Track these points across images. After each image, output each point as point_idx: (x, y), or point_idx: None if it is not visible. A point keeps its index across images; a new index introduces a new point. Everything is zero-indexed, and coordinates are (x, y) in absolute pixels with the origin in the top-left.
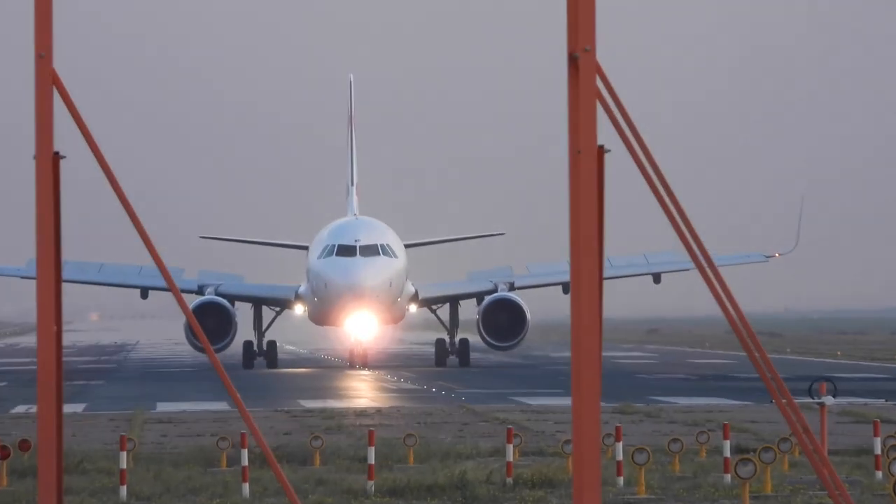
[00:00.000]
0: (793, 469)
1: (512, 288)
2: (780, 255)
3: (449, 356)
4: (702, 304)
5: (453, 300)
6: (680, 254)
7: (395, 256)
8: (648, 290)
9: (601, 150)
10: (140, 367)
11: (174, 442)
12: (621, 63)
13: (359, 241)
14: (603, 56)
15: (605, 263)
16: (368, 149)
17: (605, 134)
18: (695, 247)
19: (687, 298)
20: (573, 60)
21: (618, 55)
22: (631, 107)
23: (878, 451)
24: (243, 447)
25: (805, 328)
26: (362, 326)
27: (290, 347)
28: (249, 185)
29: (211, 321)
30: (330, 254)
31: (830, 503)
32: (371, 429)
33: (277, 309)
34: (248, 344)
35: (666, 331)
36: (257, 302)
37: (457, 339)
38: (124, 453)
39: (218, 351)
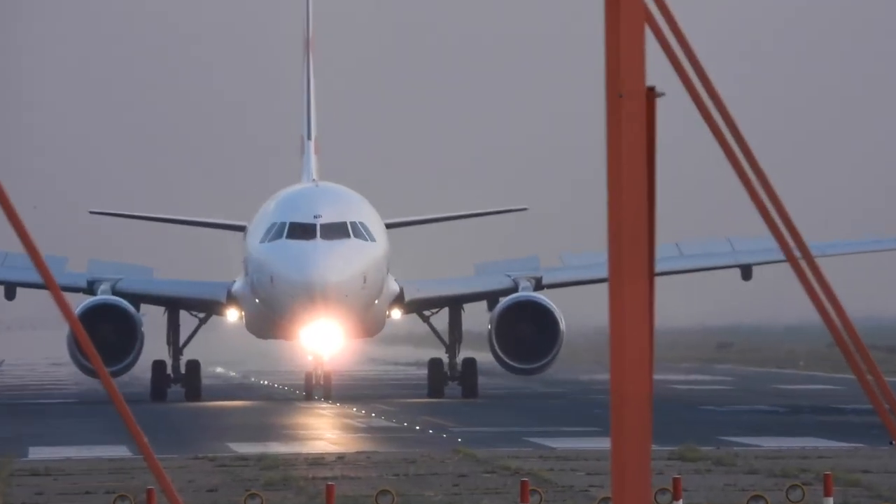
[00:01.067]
0: None
1: (539, 286)
2: None
3: (448, 383)
4: (795, 306)
5: (455, 303)
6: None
7: (373, 240)
8: (722, 289)
9: (651, 94)
10: (5, 397)
11: (54, 501)
12: None
13: (319, 217)
14: None
15: (670, 250)
16: (334, 88)
17: (657, 72)
18: (782, 227)
19: (773, 299)
20: None
21: None
22: (693, 36)
23: None
24: None
25: None
26: (323, 340)
27: (219, 370)
28: (161, 140)
29: (106, 332)
30: (278, 235)
31: None
32: (330, 483)
33: (202, 315)
34: (159, 365)
35: (744, 344)
36: (173, 305)
37: (459, 359)
38: None
39: (116, 374)
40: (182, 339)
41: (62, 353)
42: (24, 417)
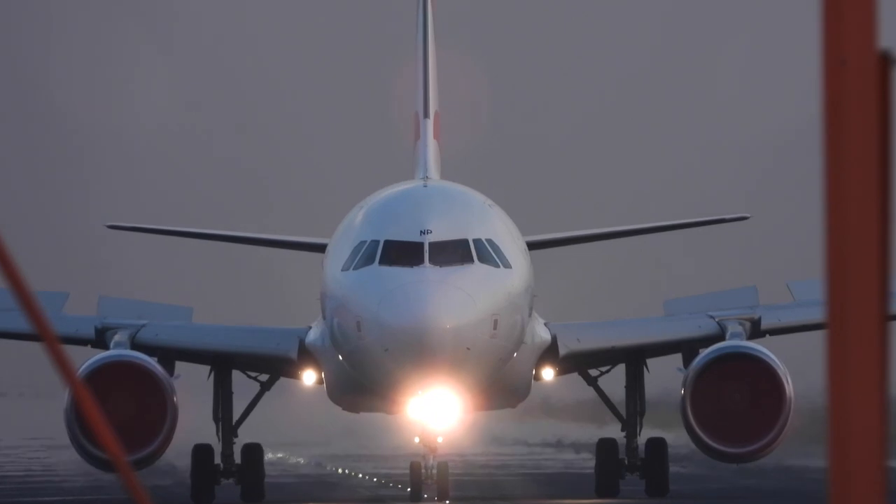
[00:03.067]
0: None
1: (756, 330)
2: None
3: (625, 474)
4: None
5: (634, 357)
6: None
7: (507, 266)
8: None
9: (886, 60)
10: None
11: None
12: None
13: (429, 232)
14: None
15: None
16: (461, 44)
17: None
18: None
19: None
20: None
21: None
22: None
23: None
24: None
25: None
26: (437, 414)
27: (281, 455)
28: (206, 126)
29: (124, 402)
30: (367, 260)
31: None
32: None
33: (264, 378)
34: (202, 451)
35: None
36: (222, 363)
37: (642, 440)
38: None
39: (140, 464)
40: (236, 413)
41: (59, 431)
42: None
